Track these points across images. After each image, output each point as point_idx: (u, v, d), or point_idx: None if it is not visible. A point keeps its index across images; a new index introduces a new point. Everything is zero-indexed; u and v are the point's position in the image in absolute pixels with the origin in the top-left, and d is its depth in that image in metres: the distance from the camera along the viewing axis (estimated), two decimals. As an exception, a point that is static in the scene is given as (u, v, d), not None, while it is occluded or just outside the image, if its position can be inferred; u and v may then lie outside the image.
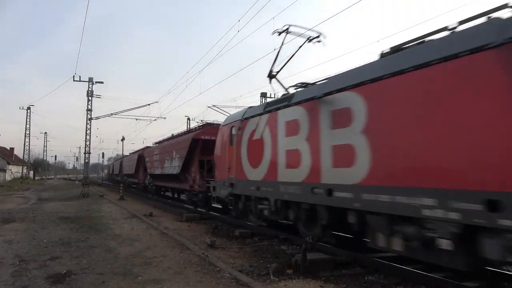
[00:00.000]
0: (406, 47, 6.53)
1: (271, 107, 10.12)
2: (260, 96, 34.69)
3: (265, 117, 10.23)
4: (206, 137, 16.77)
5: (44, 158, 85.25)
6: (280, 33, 10.62)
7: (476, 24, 5.43)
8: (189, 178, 17.67)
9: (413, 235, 5.78)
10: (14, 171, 68.70)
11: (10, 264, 7.14)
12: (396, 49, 6.72)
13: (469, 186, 4.93)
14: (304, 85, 9.45)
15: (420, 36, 6.34)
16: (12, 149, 74.41)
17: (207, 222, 13.53)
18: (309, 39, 10.43)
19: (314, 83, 8.94)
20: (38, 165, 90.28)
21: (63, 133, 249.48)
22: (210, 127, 17.74)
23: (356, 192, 6.74)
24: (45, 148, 78.95)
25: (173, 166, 19.45)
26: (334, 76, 8.13)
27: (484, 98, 4.88)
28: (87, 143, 31.32)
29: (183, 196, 23.41)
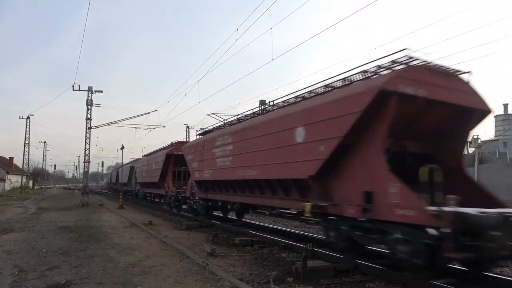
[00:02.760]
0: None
1: None
2: (259, 104, 34.78)
3: None
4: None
5: (44, 167, 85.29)
6: None
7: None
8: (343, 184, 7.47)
9: None
10: (14, 180, 68.61)
11: (9, 274, 7.10)
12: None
13: None
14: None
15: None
16: (11, 158, 74.45)
17: (206, 230, 13.49)
18: None
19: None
20: (38, 175, 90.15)
21: (62, 142, 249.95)
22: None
23: None
24: (44, 158, 79.05)
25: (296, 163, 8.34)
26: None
27: None
28: (87, 152, 31.32)
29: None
